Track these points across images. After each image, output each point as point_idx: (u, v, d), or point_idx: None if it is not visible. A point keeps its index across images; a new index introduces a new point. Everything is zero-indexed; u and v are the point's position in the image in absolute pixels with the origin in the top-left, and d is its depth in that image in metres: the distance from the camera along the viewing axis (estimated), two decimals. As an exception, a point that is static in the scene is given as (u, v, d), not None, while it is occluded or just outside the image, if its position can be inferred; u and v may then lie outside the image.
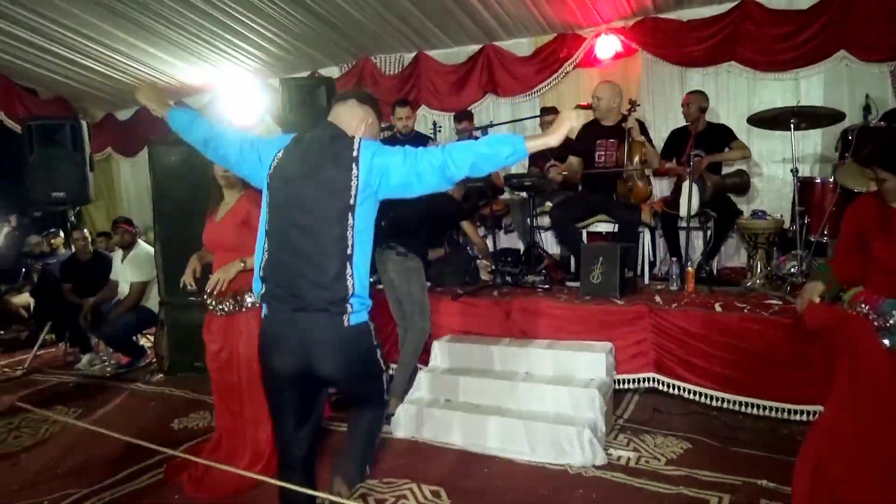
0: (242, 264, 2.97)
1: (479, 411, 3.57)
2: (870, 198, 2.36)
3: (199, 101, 8.13)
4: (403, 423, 3.67)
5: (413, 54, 7.00)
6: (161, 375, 5.17)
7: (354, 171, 2.03)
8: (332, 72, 7.40)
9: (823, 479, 2.27)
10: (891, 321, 2.13)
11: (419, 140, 5.13)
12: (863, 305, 2.24)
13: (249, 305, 3.08)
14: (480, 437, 3.45)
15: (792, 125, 4.08)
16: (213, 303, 3.10)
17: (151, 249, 5.42)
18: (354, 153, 2.05)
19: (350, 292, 2.02)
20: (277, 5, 5.85)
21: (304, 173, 2.09)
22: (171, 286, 4.97)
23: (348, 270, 2.02)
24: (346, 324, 2.05)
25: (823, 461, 2.28)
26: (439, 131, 5.21)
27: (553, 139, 1.99)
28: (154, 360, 5.46)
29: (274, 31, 6.45)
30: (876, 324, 2.17)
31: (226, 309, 3.09)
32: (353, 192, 2.02)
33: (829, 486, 2.27)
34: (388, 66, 7.20)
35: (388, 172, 2.04)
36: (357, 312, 2.07)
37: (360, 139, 2.10)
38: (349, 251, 2.02)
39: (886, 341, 2.14)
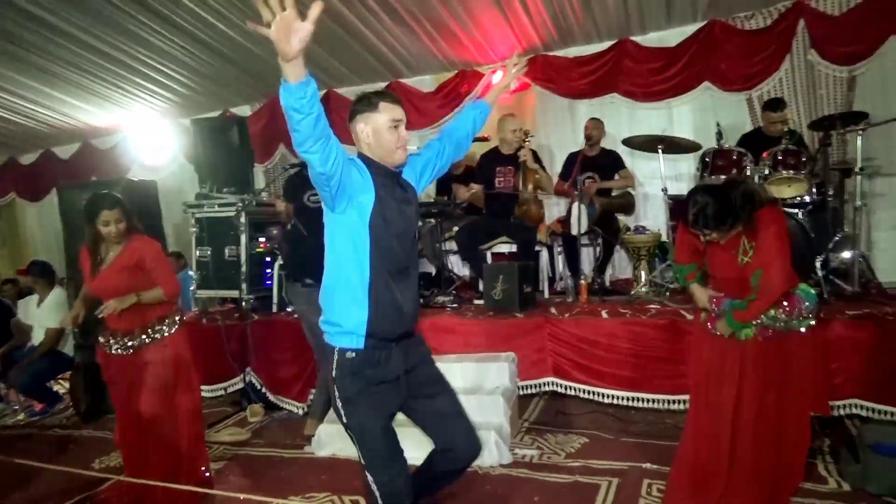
0: (137, 298, 3.09)
1: (397, 424, 3.79)
2: None
3: (108, 143, 8.09)
4: (325, 441, 3.87)
5: (323, 92, 7.26)
6: (78, 419, 5.13)
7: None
8: (244, 110, 7.58)
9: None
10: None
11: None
12: (714, 308, 2.67)
13: (166, 334, 3.21)
14: (397, 448, 3.69)
15: (660, 150, 4.64)
16: (113, 344, 3.18)
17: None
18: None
19: None
20: (184, 48, 6.01)
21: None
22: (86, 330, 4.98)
23: None
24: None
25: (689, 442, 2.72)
26: (352, 164, 5.46)
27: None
28: (71, 404, 5.40)
29: (182, 72, 6.58)
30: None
31: (129, 347, 3.16)
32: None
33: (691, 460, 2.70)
34: (298, 103, 7.40)
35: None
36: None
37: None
38: None
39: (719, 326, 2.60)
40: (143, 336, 3.17)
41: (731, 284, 2.60)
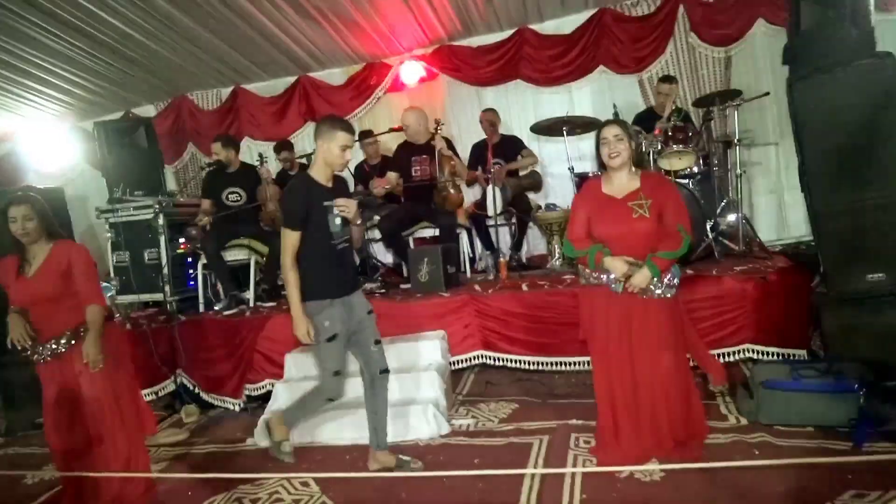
0: (95, 334, 3.05)
1: (335, 408, 3.95)
2: (592, 184, 3.09)
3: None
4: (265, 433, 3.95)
5: (230, 89, 7.19)
6: (1, 438, 4.93)
7: None
8: (148, 110, 7.38)
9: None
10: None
11: (247, 170, 5.41)
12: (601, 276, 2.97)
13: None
14: (338, 431, 3.85)
15: (565, 131, 4.98)
16: (42, 352, 3.11)
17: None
18: None
19: None
20: (84, 50, 5.81)
21: None
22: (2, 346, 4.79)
23: None
24: None
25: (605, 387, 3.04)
26: (265, 161, 5.49)
27: None
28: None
29: (80, 73, 6.34)
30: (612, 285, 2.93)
31: (56, 350, 3.10)
32: None
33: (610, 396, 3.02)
34: (205, 101, 7.32)
35: None
36: None
37: None
38: None
39: (615, 287, 2.91)
40: (72, 339, 3.11)
41: (617, 240, 2.90)
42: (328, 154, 3.00)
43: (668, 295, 2.90)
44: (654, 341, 2.89)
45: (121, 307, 5.41)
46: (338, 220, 3.07)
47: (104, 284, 5.76)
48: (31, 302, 3.11)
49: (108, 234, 5.26)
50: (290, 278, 2.99)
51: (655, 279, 2.84)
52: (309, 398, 3.32)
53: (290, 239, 2.97)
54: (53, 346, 3.11)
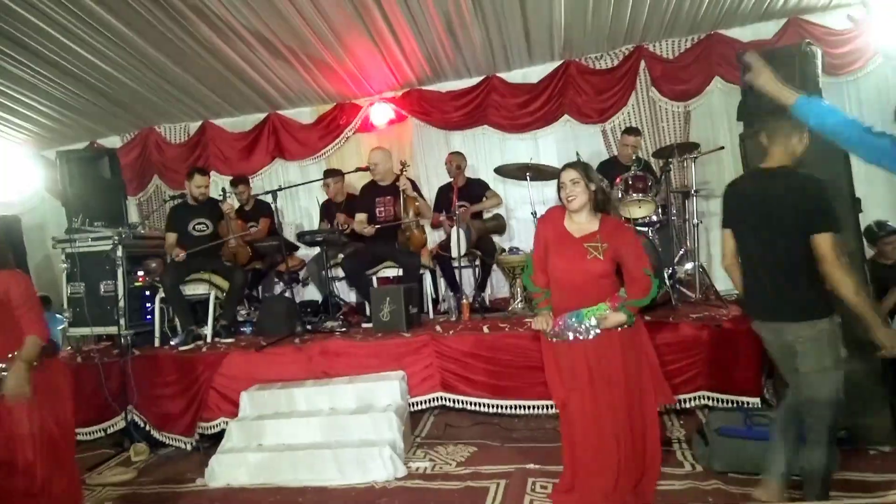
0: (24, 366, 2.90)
1: (290, 449, 3.89)
2: (557, 213, 3.06)
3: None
4: (217, 472, 3.86)
5: (199, 123, 7.18)
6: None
7: None
8: (113, 141, 7.31)
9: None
10: (575, 327, 2.86)
11: (213, 203, 5.38)
12: (551, 331, 2.92)
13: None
14: (293, 472, 3.78)
15: (528, 177, 5.09)
16: None
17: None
18: None
19: None
20: (49, 79, 5.76)
21: None
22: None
23: None
24: None
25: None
26: (229, 197, 5.45)
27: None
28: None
29: (44, 102, 6.28)
30: (568, 337, 2.88)
31: None
32: None
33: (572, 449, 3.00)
34: (173, 135, 7.29)
35: None
36: None
37: None
38: None
39: (583, 336, 2.89)
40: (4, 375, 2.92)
41: (567, 276, 2.89)
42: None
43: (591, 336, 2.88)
44: (617, 377, 2.87)
45: (72, 340, 5.26)
46: None
47: (57, 316, 5.63)
48: None
49: (64, 265, 5.14)
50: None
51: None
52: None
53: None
54: None
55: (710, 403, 3.97)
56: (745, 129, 3.80)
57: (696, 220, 4.95)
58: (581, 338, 2.83)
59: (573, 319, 2.84)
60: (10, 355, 2.95)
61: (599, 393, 2.88)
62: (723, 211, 3.02)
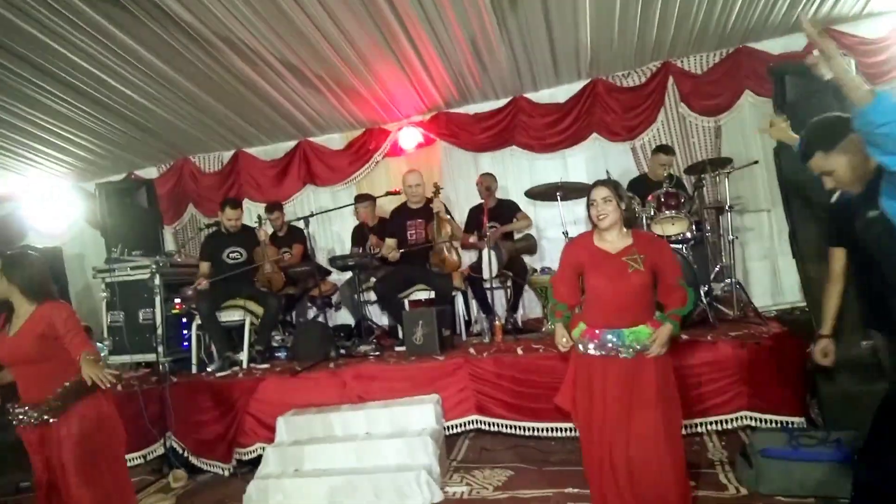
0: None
1: (327, 474, 3.89)
2: (585, 237, 3.08)
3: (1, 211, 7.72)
4: (255, 498, 3.87)
5: (232, 152, 7.34)
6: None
7: None
8: (150, 172, 7.50)
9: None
10: (615, 346, 2.82)
11: (247, 231, 5.47)
12: (588, 344, 2.89)
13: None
14: (330, 497, 3.77)
15: (559, 196, 5.07)
16: (20, 415, 3.01)
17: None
18: None
19: None
20: (88, 113, 5.94)
21: None
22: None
23: None
24: None
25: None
26: (264, 223, 5.55)
27: None
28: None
29: (83, 135, 6.46)
30: (603, 352, 2.85)
31: (38, 417, 2.99)
32: None
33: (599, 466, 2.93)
34: (207, 164, 7.46)
35: None
36: None
37: None
38: None
39: (623, 355, 2.86)
40: (56, 406, 2.97)
41: (611, 293, 2.86)
42: None
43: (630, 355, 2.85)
44: (650, 399, 2.83)
45: (113, 368, 5.34)
46: None
47: (98, 345, 5.74)
48: (10, 361, 3.05)
49: (104, 294, 5.26)
50: None
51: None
52: None
53: None
54: (34, 414, 2.98)
55: (753, 423, 3.85)
56: (778, 142, 3.71)
57: (731, 236, 4.86)
58: (622, 356, 2.80)
59: (613, 337, 2.82)
60: (66, 384, 3.00)
61: (632, 416, 2.83)
62: None
